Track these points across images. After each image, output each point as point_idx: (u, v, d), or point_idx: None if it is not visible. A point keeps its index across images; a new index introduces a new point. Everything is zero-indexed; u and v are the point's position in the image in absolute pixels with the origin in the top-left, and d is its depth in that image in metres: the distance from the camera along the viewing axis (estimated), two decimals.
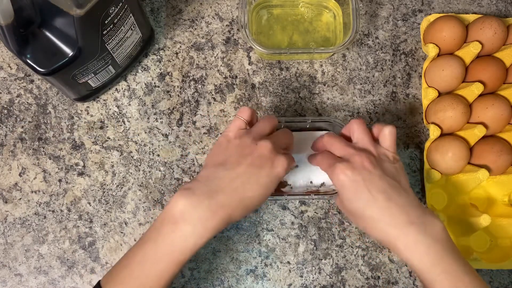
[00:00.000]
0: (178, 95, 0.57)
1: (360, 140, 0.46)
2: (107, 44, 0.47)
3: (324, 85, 0.58)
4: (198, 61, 0.58)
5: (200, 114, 0.57)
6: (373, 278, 0.54)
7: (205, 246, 0.53)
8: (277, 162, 0.42)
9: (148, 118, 0.56)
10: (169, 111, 0.57)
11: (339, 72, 0.59)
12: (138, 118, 0.56)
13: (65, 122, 0.56)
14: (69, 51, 0.44)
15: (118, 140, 0.56)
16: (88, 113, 0.56)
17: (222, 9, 0.60)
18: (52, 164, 0.55)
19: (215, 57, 0.58)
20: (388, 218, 0.41)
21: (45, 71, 0.44)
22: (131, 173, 0.55)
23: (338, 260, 0.54)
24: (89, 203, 0.54)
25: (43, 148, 0.55)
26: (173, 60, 0.58)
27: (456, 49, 0.57)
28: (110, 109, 0.56)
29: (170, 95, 0.57)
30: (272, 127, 0.46)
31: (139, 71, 0.57)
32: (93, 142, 0.55)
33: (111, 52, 0.49)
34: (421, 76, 0.59)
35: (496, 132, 0.56)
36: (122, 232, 0.54)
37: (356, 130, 0.46)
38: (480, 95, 0.55)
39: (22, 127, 0.55)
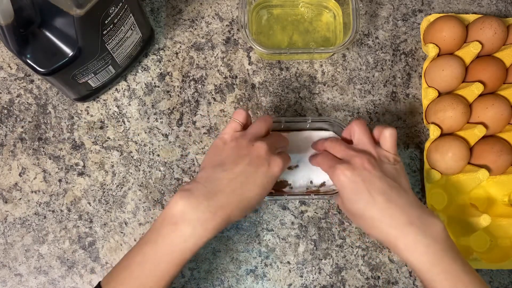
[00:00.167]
0: (178, 95, 0.57)
1: (361, 142, 0.46)
2: (107, 44, 0.47)
3: (324, 85, 0.58)
4: (198, 61, 0.58)
5: (200, 114, 0.57)
6: (373, 278, 0.54)
7: (205, 246, 0.53)
8: (273, 162, 0.43)
9: (148, 118, 0.56)
10: (169, 111, 0.57)
11: (339, 72, 0.59)
12: (138, 118, 0.56)
13: (65, 122, 0.56)
14: (69, 51, 0.44)
15: (118, 140, 0.56)
16: (88, 113, 0.56)
17: (222, 9, 0.60)
18: (52, 164, 0.55)
19: (215, 57, 0.58)
20: (388, 219, 0.41)
21: (45, 71, 0.44)
22: (131, 173, 0.55)
23: (338, 260, 0.54)
24: (89, 203, 0.54)
25: (43, 148, 0.55)
26: (173, 60, 0.58)
27: (456, 49, 0.57)
28: (110, 109, 0.56)
29: (170, 95, 0.57)
30: (267, 128, 0.46)
31: (139, 71, 0.57)
32: (93, 142, 0.55)
33: (111, 52, 0.49)
34: (421, 76, 0.59)
35: (496, 132, 0.56)
36: (122, 232, 0.54)
37: (356, 132, 0.46)
38: (480, 95, 0.55)
39: (22, 127, 0.55)
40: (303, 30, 0.59)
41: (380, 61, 0.59)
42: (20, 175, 0.54)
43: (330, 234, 0.55)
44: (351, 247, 0.55)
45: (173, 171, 0.55)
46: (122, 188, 0.55)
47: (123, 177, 0.55)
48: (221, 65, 0.58)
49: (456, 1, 0.62)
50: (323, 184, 0.53)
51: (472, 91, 0.55)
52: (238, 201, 0.41)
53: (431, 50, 0.57)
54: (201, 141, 0.56)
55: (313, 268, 0.54)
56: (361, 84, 0.59)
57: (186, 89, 0.57)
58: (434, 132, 0.55)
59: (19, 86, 0.56)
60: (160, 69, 0.58)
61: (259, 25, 0.59)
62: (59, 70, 0.45)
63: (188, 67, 0.58)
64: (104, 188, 0.54)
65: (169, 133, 0.56)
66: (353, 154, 0.44)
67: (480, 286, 0.40)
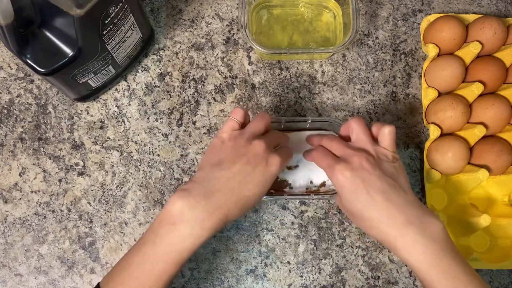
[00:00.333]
0: (178, 95, 0.57)
1: (359, 140, 0.46)
2: (107, 44, 0.47)
3: (324, 85, 0.58)
4: (198, 61, 0.58)
5: (200, 114, 0.57)
6: (373, 278, 0.54)
7: (205, 246, 0.53)
8: (271, 161, 0.43)
9: (148, 118, 0.56)
10: (169, 111, 0.57)
11: (339, 72, 0.59)
12: (138, 118, 0.56)
13: (65, 122, 0.56)
14: (69, 51, 0.44)
15: (118, 140, 0.56)
16: (88, 113, 0.56)
17: (222, 9, 0.60)
18: (52, 164, 0.55)
19: (215, 57, 0.58)
20: (386, 219, 0.41)
21: (45, 71, 0.44)
22: (131, 173, 0.55)
23: (338, 260, 0.54)
24: (89, 203, 0.54)
25: (43, 148, 0.55)
26: (173, 60, 0.58)
27: (456, 49, 0.57)
28: (110, 109, 0.56)
29: (170, 95, 0.57)
30: (265, 125, 0.46)
31: (139, 71, 0.57)
32: (93, 142, 0.55)
33: (111, 52, 0.49)
34: (421, 76, 0.59)
35: (496, 132, 0.56)
36: (122, 232, 0.54)
37: (355, 129, 0.46)
38: (480, 95, 0.55)
39: (22, 127, 0.55)
40: (303, 30, 0.59)
41: (380, 61, 0.59)
42: (20, 175, 0.54)
43: (330, 234, 0.55)
44: (351, 247, 0.55)
45: (173, 171, 0.55)
46: (122, 188, 0.55)
47: (123, 177, 0.55)
48: (221, 65, 0.58)
49: (456, 1, 0.62)
50: (323, 184, 0.53)
51: (472, 91, 0.55)
52: (236, 200, 0.41)
53: (431, 50, 0.57)
54: (201, 141, 0.56)
55: (313, 268, 0.54)
56: (361, 84, 0.59)
57: (186, 89, 0.57)
58: (434, 132, 0.55)
59: (19, 86, 0.56)
60: (160, 69, 0.58)
61: (259, 25, 0.59)
62: (59, 70, 0.45)
63: (188, 67, 0.58)
64: (104, 188, 0.54)
65: (169, 133, 0.56)
66: (351, 153, 0.44)
67: (480, 286, 0.40)
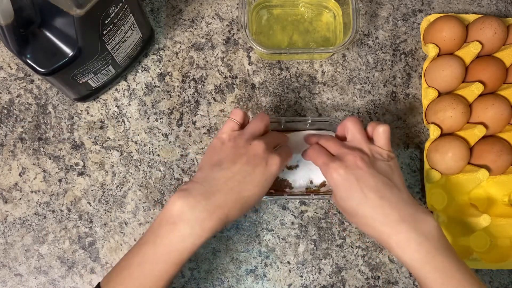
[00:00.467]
0: (178, 95, 0.57)
1: (354, 139, 0.46)
2: (107, 44, 0.47)
3: (324, 85, 0.58)
4: (198, 61, 0.58)
5: (200, 114, 0.57)
6: (373, 278, 0.54)
7: (205, 246, 0.53)
8: (271, 161, 0.43)
9: (148, 118, 0.56)
10: (169, 111, 0.57)
11: (339, 72, 0.59)
12: (138, 118, 0.56)
13: (65, 122, 0.56)
14: (69, 51, 0.44)
15: (118, 140, 0.56)
16: (88, 113, 0.56)
17: (222, 9, 0.60)
18: (52, 164, 0.55)
19: (215, 57, 0.58)
20: (380, 217, 0.41)
21: (45, 71, 0.44)
22: (131, 173, 0.55)
23: (338, 260, 0.54)
24: (89, 203, 0.54)
25: (43, 148, 0.55)
26: (173, 60, 0.58)
27: (456, 49, 0.57)
28: (110, 109, 0.56)
29: (170, 95, 0.57)
30: (264, 126, 0.46)
31: (139, 71, 0.57)
32: (93, 142, 0.55)
33: (111, 52, 0.49)
34: (421, 76, 0.59)
35: (496, 132, 0.56)
36: (122, 232, 0.54)
37: (350, 129, 0.47)
38: (480, 95, 0.55)
39: (22, 127, 0.55)
40: (303, 30, 0.59)
41: (380, 61, 0.59)
42: (20, 175, 0.54)
43: (330, 234, 0.55)
44: (351, 247, 0.55)
45: (173, 171, 0.55)
46: (122, 188, 0.55)
47: (123, 177, 0.55)
48: (221, 65, 0.58)
49: (456, 1, 0.62)
50: (323, 184, 0.53)
51: (472, 91, 0.55)
52: (236, 200, 0.41)
53: (431, 50, 0.57)
54: (201, 141, 0.56)
55: (313, 268, 0.54)
56: (361, 84, 0.59)
57: (186, 89, 0.57)
58: (434, 132, 0.55)
59: (19, 86, 0.56)
60: (160, 69, 0.58)
61: (259, 25, 0.59)
62: (59, 70, 0.45)
63: (188, 67, 0.58)
64: (104, 188, 0.54)
65: (169, 133, 0.56)
66: (346, 152, 0.44)
67: (473, 283, 0.40)
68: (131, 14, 0.47)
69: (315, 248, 0.54)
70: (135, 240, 0.54)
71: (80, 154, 0.55)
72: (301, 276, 0.54)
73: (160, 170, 0.55)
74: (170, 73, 0.58)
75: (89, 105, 0.56)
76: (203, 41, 0.59)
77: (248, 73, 0.58)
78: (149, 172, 0.55)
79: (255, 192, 0.42)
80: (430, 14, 0.61)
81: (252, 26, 0.59)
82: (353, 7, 0.54)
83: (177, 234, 0.39)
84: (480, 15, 0.59)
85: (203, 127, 0.56)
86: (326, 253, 0.54)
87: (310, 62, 0.59)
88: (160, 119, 0.56)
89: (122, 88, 0.57)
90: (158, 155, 0.55)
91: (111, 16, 0.44)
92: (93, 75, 0.50)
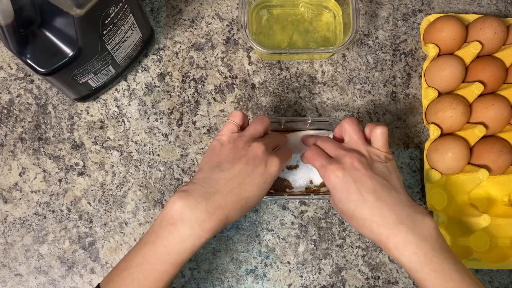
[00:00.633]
0: (178, 95, 0.57)
1: (352, 140, 0.46)
2: (107, 44, 0.47)
3: (324, 85, 0.58)
4: (198, 61, 0.58)
5: (200, 114, 0.57)
6: (373, 278, 0.54)
7: (205, 246, 0.53)
8: (270, 162, 0.43)
9: (148, 118, 0.56)
10: (169, 111, 0.57)
11: (339, 72, 0.59)
12: (138, 118, 0.56)
13: (65, 122, 0.56)
14: (69, 51, 0.44)
15: (118, 140, 0.56)
16: (88, 113, 0.56)
17: (222, 9, 0.60)
18: (52, 164, 0.55)
19: (215, 57, 0.58)
20: (378, 218, 0.41)
21: (45, 71, 0.44)
22: (131, 173, 0.55)
23: (338, 260, 0.54)
24: (89, 203, 0.54)
25: (43, 148, 0.55)
26: (173, 60, 0.58)
27: (456, 49, 0.57)
28: (110, 109, 0.56)
29: (170, 95, 0.57)
30: (264, 128, 0.46)
31: (139, 71, 0.57)
32: (93, 142, 0.55)
33: (111, 52, 0.49)
34: (421, 76, 0.59)
35: (496, 132, 0.56)
36: (122, 232, 0.54)
37: (347, 130, 0.47)
38: (480, 95, 0.55)
39: (22, 127, 0.55)
40: (303, 30, 0.59)
41: (380, 61, 0.59)
42: (20, 175, 0.54)
43: (330, 234, 0.55)
44: (351, 247, 0.55)
45: (173, 171, 0.55)
46: (122, 188, 0.55)
47: (123, 177, 0.55)
48: (221, 65, 0.58)
49: (456, 1, 0.62)
50: (323, 184, 0.53)
51: (472, 91, 0.55)
52: (236, 201, 0.41)
53: (431, 50, 0.57)
54: (201, 141, 0.56)
55: (313, 268, 0.54)
56: (361, 84, 0.59)
57: (186, 89, 0.57)
58: (434, 132, 0.55)
59: (19, 86, 0.56)
60: (160, 69, 0.58)
61: (259, 25, 0.59)
62: (59, 70, 0.45)
63: (188, 67, 0.58)
64: (104, 188, 0.54)
65: (169, 133, 0.56)
66: (343, 153, 0.44)
67: (472, 284, 0.40)
68: (131, 14, 0.47)
69: (315, 248, 0.54)
70: (135, 240, 0.54)
71: (80, 154, 0.55)
72: (301, 276, 0.54)
73: (160, 170, 0.55)
74: (170, 73, 0.58)
75: (89, 105, 0.56)
76: (203, 41, 0.59)
77: (248, 73, 0.58)
78: (149, 172, 0.55)
79: (255, 193, 0.42)
80: (430, 14, 0.61)
81: (252, 26, 0.59)
82: (353, 7, 0.54)
83: (177, 235, 0.39)
84: (480, 15, 0.59)
85: (203, 127, 0.56)
86: (326, 253, 0.54)
87: (310, 62, 0.59)
88: (160, 119, 0.56)
89: (122, 88, 0.57)
90: (158, 155, 0.55)
91: (111, 16, 0.44)
92: (93, 75, 0.50)
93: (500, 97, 0.55)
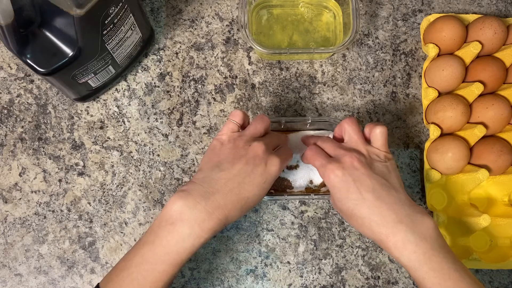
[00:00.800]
0: (178, 95, 0.57)
1: (351, 140, 0.46)
2: (107, 44, 0.47)
3: (324, 85, 0.58)
4: (198, 61, 0.58)
5: (200, 114, 0.57)
6: (373, 278, 0.54)
7: (205, 246, 0.53)
8: (271, 162, 0.43)
9: (148, 118, 0.56)
10: (169, 111, 0.57)
11: (339, 72, 0.59)
12: (138, 118, 0.56)
13: (65, 122, 0.56)
14: (69, 51, 0.44)
15: (118, 140, 0.56)
16: (88, 113, 0.56)
17: (222, 9, 0.60)
18: (52, 164, 0.55)
19: (215, 57, 0.58)
20: (377, 217, 0.41)
21: (45, 71, 0.44)
22: (131, 173, 0.55)
23: (338, 260, 0.54)
24: (89, 203, 0.54)
25: (43, 148, 0.55)
26: (173, 60, 0.58)
27: (456, 49, 0.57)
28: (110, 109, 0.56)
29: (170, 95, 0.57)
30: (264, 128, 0.46)
31: (139, 71, 0.57)
32: (93, 142, 0.55)
33: (111, 52, 0.49)
34: (421, 76, 0.59)
35: (496, 132, 0.56)
36: (122, 232, 0.54)
37: (347, 130, 0.47)
38: (480, 95, 0.55)
39: (22, 127, 0.55)
40: (303, 30, 0.59)
41: (380, 61, 0.59)
42: (20, 175, 0.54)
43: (330, 234, 0.55)
44: (351, 247, 0.55)
45: (173, 171, 0.55)
46: (122, 188, 0.55)
47: (123, 177, 0.55)
48: (221, 65, 0.58)
49: (456, 1, 0.62)
50: (323, 184, 0.53)
51: (472, 91, 0.55)
52: (236, 201, 0.41)
53: (431, 50, 0.57)
54: (201, 141, 0.56)
55: (313, 268, 0.54)
56: (361, 84, 0.59)
57: (186, 89, 0.57)
58: (434, 132, 0.55)
59: (19, 86, 0.56)
60: (160, 69, 0.58)
61: (259, 25, 0.59)
62: (59, 70, 0.45)
63: (188, 67, 0.58)
64: (104, 188, 0.54)
65: (169, 133, 0.56)
66: (343, 153, 0.44)
67: (471, 283, 0.40)
68: (131, 14, 0.47)
69: (315, 248, 0.54)
70: (135, 240, 0.54)
71: (80, 154, 0.55)
72: (301, 276, 0.54)
73: (160, 170, 0.55)
74: (170, 73, 0.58)
75: (89, 105, 0.56)
76: (203, 41, 0.59)
77: (248, 73, 0.58)
78: (149, 172, 0.55)
79: (255, 193, 0.42)
80: (430, 14, 0.61)
81: (252, 26, 0.59)
82: (353, 7, 0.54)
83: (176, 235, 0.39)
84: (480, 15, 0.59)
85: (203, 127, 0.56)
86: (326, 253, 0.54)
87: (310, 62, 0.59)
88: (160, 119, 0.56)
89: (122, 88, 0.57)
90: (158, 155, 0.55)
91: (111, 16, 0.44)
92: (93, 75, 0.50)
93: (500, 97, 0.55)
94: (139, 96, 0.57)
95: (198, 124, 0.56)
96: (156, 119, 0.56)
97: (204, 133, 0.56)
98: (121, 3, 0.44)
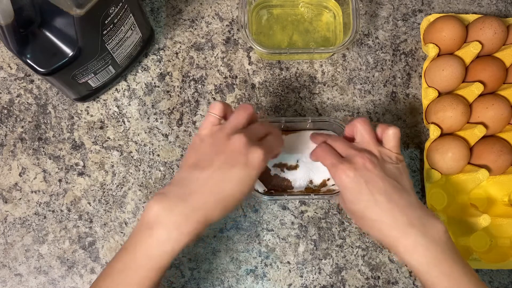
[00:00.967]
0: (178, 95, 0.57)
1: (363, 140, 0.45)
2: (107, 44, 0.47)
3: (324, 85, 0.58)
4: (198, 61, 0.58)
5: (200, 114, 0.57)
6: (373, 278, 0.54)
7: (205, 246, 0.53)
8: (252, 155, 0.40)
9: (148, 118, 0.56)
10: (169, 111, 0.57)
11: (339, 72, 0.59)
12: (138, 118, 0.56)
13: (65, 122, 0.56)
14: (69, 51, 0.44)
15: (118, 140, 0.56)
16: (88, 113, 0.56)
17: (222, 9, 0.60)
18: (52, 164, 0.55)
19: (215, 57, 0.58)
20: (388, 220, 0.41)
21: (45, 71, 0.44)
22: (131, 173, 0.55)
23: (338, 260, 0.54)
24: (89, 203, 0.54)
25: (43, 148, 0.55)
26: (173, 60, 0.58)
27: (456, 49, 0.57)
28: (110, 109, 0.56)
29: (170, 95, 0.57)
30: (247, 117, 0.43)
31: (139, 71, 0.57)
32: (93, 142, 0.55)
33: (111, 52, 0.49)
34: (421, 76, 0.59)
35: (496, 132, 0.56)
36: (122, 232, 0.54)
37: (359, 130, 0.46)
38: (480, 95, 0.55)
39: (22, 127, 0.55)
40: (303, 30, 0.59)
41: (380, 61, 0.59)
42: (20, 175, 0.54)
43: (330, 234, 0.55)
44: (351, 247, 0.55)
45: (173, 171, 0.55)
46: (122, 188, 0.55)
47: (123, 177, 0.55)
48: (221, 65, 0.58)
49: (456, 1, 0.62)
50: (323, 184, 0.53)
51: (472, 91, 0.55)
52: (216, 200, 0.39)
53: (431, 50, 0.57)
54: None
55: (313, 268, 0.54)
56: (361, 84, 0.59)
57: (186, 89, 0.57)
58: (434, 132, 0.55)
59: (19, 86, 0.56)
60: (160, 69, 0.58)
61: (259, 25, 0.59)
62: (59, 70, 0.45)
63: (188, 67, 0.58)
64: (104, 188, 0.54)
65: (169, 133, 0.56)
66: (354, 153, 0.43)
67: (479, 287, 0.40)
68: (131, 14, 0.47)
69: (315, 248, 0.54)
70: None
71: (80, 154, 0.55)
72: (301, 276, 0.54)
73: (160, 170, 0.55)
74: (170, 73, 0.58)
75: (89, 105, 0.56)
76: (203, 41, 0.59)
77: (248, 73, 0.58)
78: (149, 172, 0.55)
79: (237, 190, 0.40)
80: (430, 14, 0.61)
81: (252, 26, 0.59)
82: (353, 7, 0.54)
83: (155, 240, 0.38)
84: (480, 15, 0.59)
85: None
86: (326, 253, 0.54)
87: (310, 62, 0.59)
88: (160, 119, 0.56)
89: (122, 88, 0.57)
90: (158, 155, 0.55)
91: (111, 16, 0.44)
92: (93, 75, 0.50)
93: (500, 97, 0.55)
94: (139, 96, 0.57)
95: (198, 124, 0.56)
96: (156, 119, 0.56)
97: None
98: (121, 3, 0.44)
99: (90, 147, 0.55)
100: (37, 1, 0.42)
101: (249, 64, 0.58)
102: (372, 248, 0.55)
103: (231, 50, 0.59)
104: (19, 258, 0.53)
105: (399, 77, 0.59)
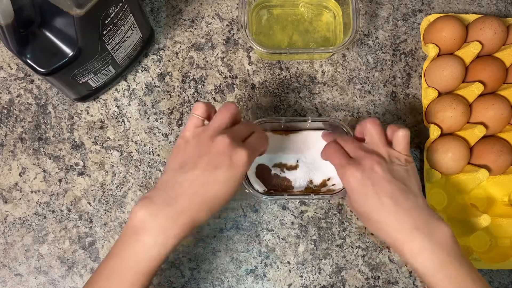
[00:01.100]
0: (178, 95, 0.57)
1: (372, 141, 0.45)
2: (107, 44, 0.47)
3: (324, 85, 0.58)
4: (198, 61, 0.58)
5: None
6: (373, 278, 0.54)
7: (205, 246, 0.53)
8: (236, 156, 0.39)
9: (148, 118, 0.56)
10: (169, 111, 0.57)
11: (339, 72, 0.59)
12: (138, 118, 0.56)
13: (65, 122, 0.56)
14: (69, 51, 0.44)
15: (118, 140, 0.56)
16: (88, 113, 0.56)
17: (222, 9, 0.60)
18: (52, 164, 0.55)
19: (215, 57, 0.58)
20: (394, 223, 0.41)
21: (45, 71, 0.44)
22: (131, 173, 0.55)
23: (338, 260, 0.54)
24: (89, 203, 0.54)
25: (43, 148, 0.55)
26: (173, 60, 0.58)
27: (456, 49, 0.57)
28: (110, 109, 0.56)
29: (170, 95, 0.57)
30: (231, 117, 0.42)
31: (139, 71, 0.57)
32: (93, 142, 0.55)
33: (111, 52, 0.49)
34: (421, 76, 0.59)
35: (496, 132, 0.56)
36: None
37: (369, 131, 0.45)
38: (480, 95, 0.55)
39: (22, 127, 0.55)
40: (303, 30, 0.59)
41: (380, 61, 0.59)
42: (20, 175, 0.54)
43: (330, 234, 0.55)
44: (351, 247, 0.55)
45: None
46: (122, 188, 0.55)
47: (123, 177, 0.55)
48: (221, 65, 0.58)
49: (456, 1, 0.62)
50: (323, 184, 0.53)
51: (472, 91, 0.55)
52: (202, 202, 0.39)
53: (431, 50, 0.57)
54: None
55: (313, 268, 0.54)
56: (361, 84, 0.59)
57: (186, 89, 0.57)
58: (434, 132, 0.55)
59: (19, 86, 0.56)
60: (160, 69, 0.58)
61: (259, 25, 0.59)
62: (59, 70, 0.45)
63: (188, 67, 0.58)
64: (104, 188, 0.54)
65: (169, 133, 0.56)
66: (363, 155, 0.43)
67: None
68: (131, 14, 0.47)
69: (315, 248, 0.54)
70: None
71: (80, 154, 0.55)
72: (301, 276, 0.54)
73: (160, 170, 0.55)
74: (170, 73, 0.58)
75: (89, 105, 0.56)
76: (203, 41, 0.59)
77: (248, 73, 0.58)
78: (149, 172, 0.55)
79: (223, 191, 0.40)
80: (430, 14, 0.61)
81: (252, 26, 0.59)
82: (353, 7, 0.54)
83: (141, 245, 0.38)
84: (480, 15, 0.59)
85: None
86: (326, 253, 0.54)
87: (310, 62, 0.59)
88: (160, 119, 0.56)
89: (122, 88, 0.57)
90: (158, 155, 0.55)
91: (111, 16, 0.44)
92: (93, 75, 0.50)
93: (500, 97, 0.55)
94: (139, 96, 0.57)
95: None
96: (156, 119, 0.56)
97: None
98: (121, 3, 0.44)
99: (90, 147, 0.55)
100: (37, 1, 0.42)
101: (249, 64, 0.58)
102: (372, 248, 0.55)
103: (231, 50, 0.59)
104: (19, 258, 0.53)
105: (399, 77, 0.59)
